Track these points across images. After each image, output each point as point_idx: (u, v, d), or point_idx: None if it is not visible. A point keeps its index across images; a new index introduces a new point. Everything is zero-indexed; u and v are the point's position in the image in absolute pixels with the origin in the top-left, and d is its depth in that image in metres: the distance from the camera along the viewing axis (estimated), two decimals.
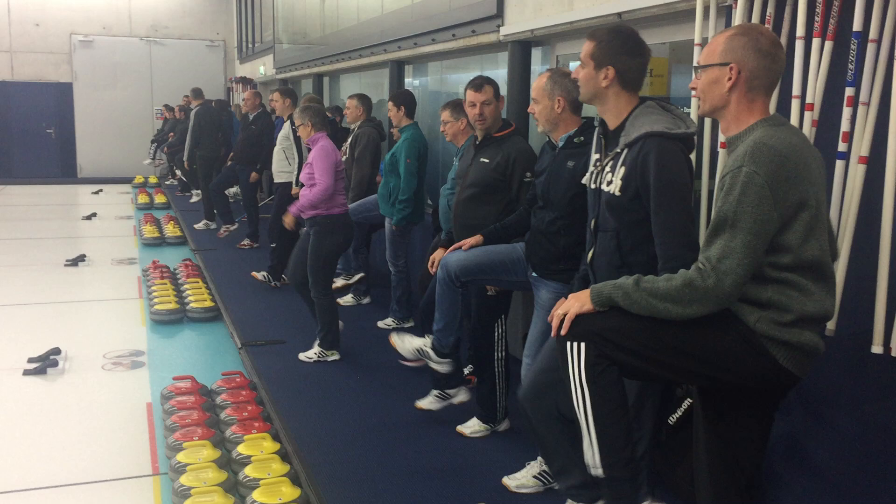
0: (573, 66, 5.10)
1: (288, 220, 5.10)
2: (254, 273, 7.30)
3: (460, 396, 4.02)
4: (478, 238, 3.61)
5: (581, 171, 3.17)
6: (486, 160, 3.82)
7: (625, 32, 2.70)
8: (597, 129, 2.81)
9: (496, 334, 3.89)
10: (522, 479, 3.42)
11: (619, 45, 2.65)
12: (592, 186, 2.75)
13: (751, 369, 2.14)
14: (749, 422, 2.28)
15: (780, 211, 2.03)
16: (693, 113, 3.12)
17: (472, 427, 3.98)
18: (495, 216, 3.72)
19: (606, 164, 2.66)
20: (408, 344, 3.87)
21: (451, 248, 3.67)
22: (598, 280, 2.71)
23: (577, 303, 2.23)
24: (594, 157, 2.78)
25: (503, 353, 3.93)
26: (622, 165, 2.58)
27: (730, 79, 2.16)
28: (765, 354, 2.11)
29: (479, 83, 3.85)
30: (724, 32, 2.23)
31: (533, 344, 3.36)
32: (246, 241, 9.02)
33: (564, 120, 3.28)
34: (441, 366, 3.83)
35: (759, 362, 2.12)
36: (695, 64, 2.32)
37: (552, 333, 2.30)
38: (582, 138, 3.24)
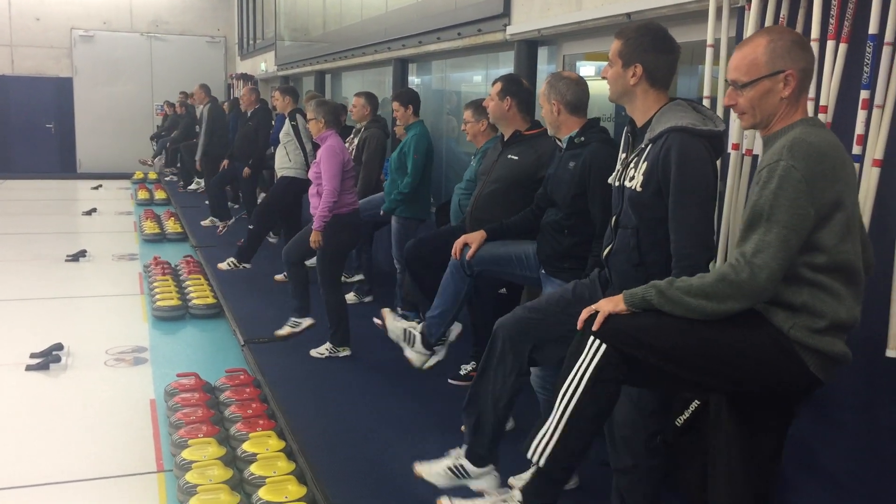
0: (580, 66, 5.13)
1: (315, 239, 5.02)
2: (220, 265, 7.15)
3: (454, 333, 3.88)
4: (482, 234, 3.60)
5: (580, 172, 3.18)
6: (515, 157, 3.85)
7: (654, 29, 2.65)
8: (625, 128, 2.79)
9: None
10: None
11: (648, 43, 2.60)
12: (617, 184, 2.73)
13: (779, 373, 2.13)
14: (771, 429, 2.27)
15: (817, 208, 2.01)
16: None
17: None
18: (512, 214, 3.71)
19: (631, 161, 2.64)
20: (398, 323, 3.80)
21: (458, 243, 3.64)
22: (614, 277, 2.71)
23: (610, 304, 2.21)
24: (621, 156, 2.76)
25: None
26: (645, 161, 2.55)
27: (787, 84, 2.11)
28: (796, 360, 2.09)
29: (495, 80, 3.93)
30: (755, 42, 2.17)
31: None
32: None
33: (564, 122, 3.32)
34: (418, 356, 3.73)
35: (789, 367, 2.11)
36: (728, 80, 2.27)
37: (578, 325, 2.27)
38: (582, 138, 3.26)
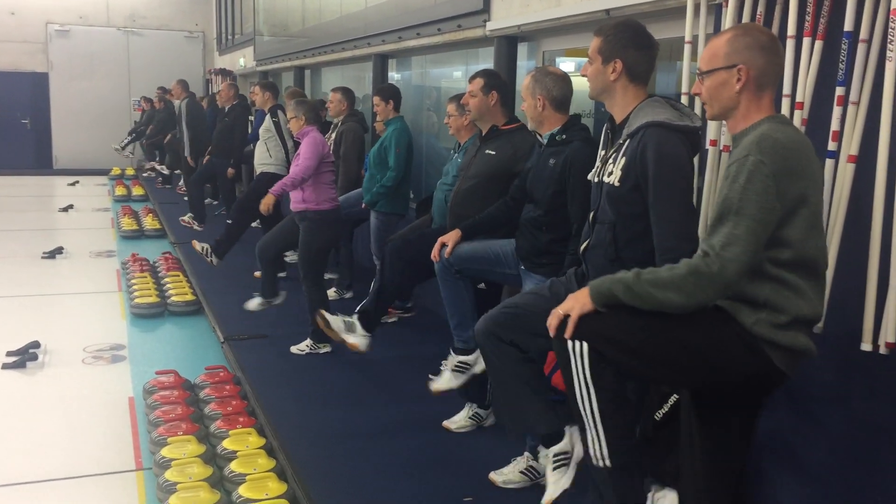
0: (559, 62, 5.14)
1: (266, 201, 5.10)
2: (194, 242, 6.98)
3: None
4: (457, 232, 3.60)
5: (561, 170, 3.19)
6: (493, 152, 3.85)
7: (632, 26, 2.69)
8: (605, 125, 2.81)
9: None
10: (509, 475, 3.43)
11: (627, 39, 2.64)
12: (596, 180, 2.75)
13: (745, 368, 2.16)
14: (738, 420, 2.31)
15: (783, 202, 2.05)
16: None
17: (458, 422, 3.98)
18: None
19: (610, 157, 2.66)
20: (444, 379, 3.72)
21: (436, 247, 3.64)
22: (591, 272, 2.73)
23: (578, 304, 2.21)
24: (601, 152, 2.79)
25: None
26: (623, 156, 2.58)
27: (739, 79, 2.17)
28: (760, 354, 2.13)
29: (474, 75, 3.92)
30: (722, 35, 2.24)
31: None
32: None
33: (547, 118, 3.32)
34: (480, 362, 3.57)
35: (754, 362, 2.14)
36: (696, 69, 2.33)
37: (551, 333, 2.28)
38: (564, 136, 3.27)
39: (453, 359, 3.74)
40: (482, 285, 3.83)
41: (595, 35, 2.69)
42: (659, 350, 2.19)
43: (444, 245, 3.60)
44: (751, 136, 2.12)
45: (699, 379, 2.27)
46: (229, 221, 7.17)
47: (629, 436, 2.34)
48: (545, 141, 3.34)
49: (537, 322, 2.74)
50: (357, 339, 4.08)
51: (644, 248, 2.55)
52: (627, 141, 2.59)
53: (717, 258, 2.04)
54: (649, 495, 2.50)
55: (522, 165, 3.68)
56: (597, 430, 2.28)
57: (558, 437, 2.90)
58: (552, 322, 2.27)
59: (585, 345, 2.20)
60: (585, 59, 2.78)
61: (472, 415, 3.99)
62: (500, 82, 3.94)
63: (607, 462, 2.31)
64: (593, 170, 2.80)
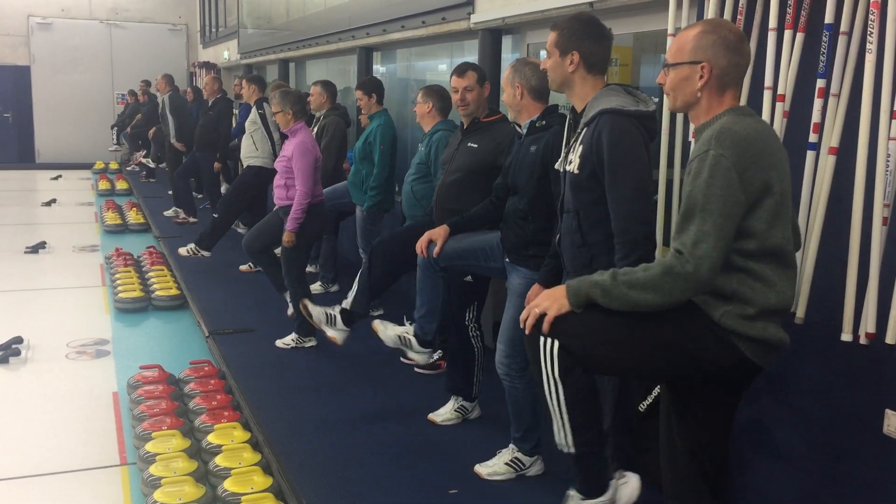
0: (543, 54, 5.14)
1: (287, 239, 4.98)
2: (180, 250, 7.17)
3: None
4: (445, 229, 3.60)
5: (542, 154, 3.20)
6: (475, 145, 3.84)
7: (585, 18, 2.78)
8: (567, 115, 2.87)
9: (467, 318, 3.92)
10: (494, 467, 3.44)
11: (582, 30, 2.72)
12: (560, 170, 2.82)
13: (718, 361, 2.19)
14: (716, 411, 2.34)
15: (747, 194, 2.07)
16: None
17: (443, 415, 3.99)
18: (478, 202, 3.71)
19: (572, 146, 2.72)
20: (390, 331, 3.85)
21: (422, 240, 3.64)
22: (565, 260, 2.79)
23: (555, 304, 2.24)
24: (565, 142, 2.84)
25: (479, 332, 3.96)
26: (580, 144, 2.66)
27: (702, 77, 2.20)
28: (731, 347, 2.15)
29: (463, 69, 3.90)
30: (690, 30, 2.26)
31: (506, 330, 3.37)
32: None
33: (526, 106, 3.32)
34: (420, 356, 3.85)
35: (726, 354, 2.17)
36: (664, 59, 2.36)
37: (527, 330, 2.31)
38: (543, 122, 3.28)
39: (407, 330, 3.82)
40: (469, 278, 3.84)
41: (551, 29, 2.77)
42: (631, 347, 2.22)
43: (431, 241, 3.60)
44: (709, 131, 2.15)
45: (673, 373, 2.31)
46: (215, 215, 7.16)
47: (593, 425, 2.40)
48: (525, 130, 3.33)
49: None
50: (336, 332, 4.16)
51: (607, 231, 2.61)
52: (585, 129, 2.66)
53: (690, 256, 2.06)
54: (612, 481, 2.57)
55: (505, 157, 3.70)
56: (562, 419, 2.35)
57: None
58: (527, 320, 2.29)
59: (556, 343, 2.24)
60: None
61: (458, 407, 4.00)
62: (485, 73, 3.97)
63: (572, 448, 2.39)
64: (560, 159, 2.85)
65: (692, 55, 2.20)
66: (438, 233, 3.59)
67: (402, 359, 4.76)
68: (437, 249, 3.56)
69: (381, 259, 4.06)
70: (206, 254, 7.03)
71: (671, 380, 2.38)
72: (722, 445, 2.40)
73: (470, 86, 3.86)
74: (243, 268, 7.18)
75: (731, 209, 2.05)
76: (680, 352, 2.20)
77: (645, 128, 2.64)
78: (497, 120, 3.90)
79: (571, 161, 2.69)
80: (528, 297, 3.24)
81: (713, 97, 2.21)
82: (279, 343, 5.12)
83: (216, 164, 8.74)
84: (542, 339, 2.26)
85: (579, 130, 2.69)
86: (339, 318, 4.13)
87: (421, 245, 3.62)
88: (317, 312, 4.20)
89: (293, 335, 5.13)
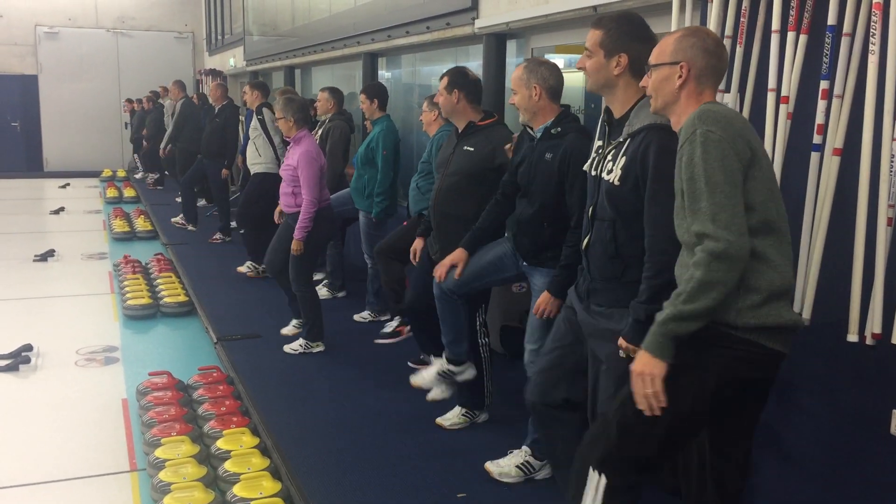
0: (549, 59, 5.15)
1: (295, 248, 5.01)
2: (239, 268, 7.27)
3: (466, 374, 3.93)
4: (462, 254, 3.59)
5: (560, 164, 3.17)
6: (471, 148, 3.85)
7: (635, 19, 2.65)
8: (601, 116, 2.77)
9: (478, 322, 3.93)
10: (505, 467, 3.44)
11: (632, 32, 2.59)
12: (593, 173, 2.70)
13: (748, 371, 2.19)
14: (745, 413, 2.32)
15: (742, 163, 2.09)
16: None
17: (451, 419, 4.00)
18: (475, 205, 3.72)
19: (608, 153, 2.62)
20: (427, 376, 3.87)
21: (441, 268, 3.63)
22: (592, 268, 2.69)
23: (650, 374, 2.15)
24: (596, 143, 2.74)
25: (486, 339, 3.97)
26: (623, 156, 2.54)
27: (680, 76, 2.24)
28: (754, 346, 2.12)
29: (442, 74, 3.98)
30: (672, 34, 2.30)
31: (535, 331, 3.35)
32: (218, 236, 8.93)
33: (542, 108, 3.28)
34: (465, 373, 3.84)
35: (751, 359, 2.15)
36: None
37: (654, 411, 2.19)
38: (559, 129, 3.24)
39: (442, 364, 3.81)
40: (516, 289, 3.89)
41: (594, 27, 2.63)
42: (673, 436, 2.26)
43: (451, 266, 3.60)
44: (690, 117, 2.17)
45: (716, 420, 2.30)
46: (242, 232, 7.21)
47: None
48: (538, 135, 3.30)
49: (571, 361, 2.86)
50: (461, 378, 3.89)
51: (643, 245, 2.51)
52: (629, 140, 2.54)
53: (715, 232, 2.04)
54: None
55: (501, 161, 3.71)
56: None
57: None
58: (644, 403, 2.19)
59: (604, 478, 2.28)
60: (575, 56, 2.76)
61: (465, 412, 4.00)
62: (464, 81, 3.92)
63: None
64: (589, 161, 2.76)
65: (672, 56, 2.25)
66: (459, 257, 3.58)
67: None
68: (458, 271, 3.57)
69: (384, 264, 4.09)
70: (261, 267, 7.01)
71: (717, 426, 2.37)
72: (747, 449, 2.38)
73: (440, 90, 3.95)
74: (241, 269, 7.22)
75: (733, 176, 2.07)
76: (713, 405, 2.22)
77: None
78: (492, 123, 3.91)
79: (611, 171, 2.57)
80: (537, 304, 3.25)
81: (691, 97, 2.25)
82: (287, 349, 5.14)
83: (224, 171, 8.77)
84: (591, 470, 2.30)
85: (622, 139, 2.57)
86: (453, 369, 3.85)
87: (441, 272, 3.62)
88: (430, 381, 3.93)
89: (301, 341, 5.15)
